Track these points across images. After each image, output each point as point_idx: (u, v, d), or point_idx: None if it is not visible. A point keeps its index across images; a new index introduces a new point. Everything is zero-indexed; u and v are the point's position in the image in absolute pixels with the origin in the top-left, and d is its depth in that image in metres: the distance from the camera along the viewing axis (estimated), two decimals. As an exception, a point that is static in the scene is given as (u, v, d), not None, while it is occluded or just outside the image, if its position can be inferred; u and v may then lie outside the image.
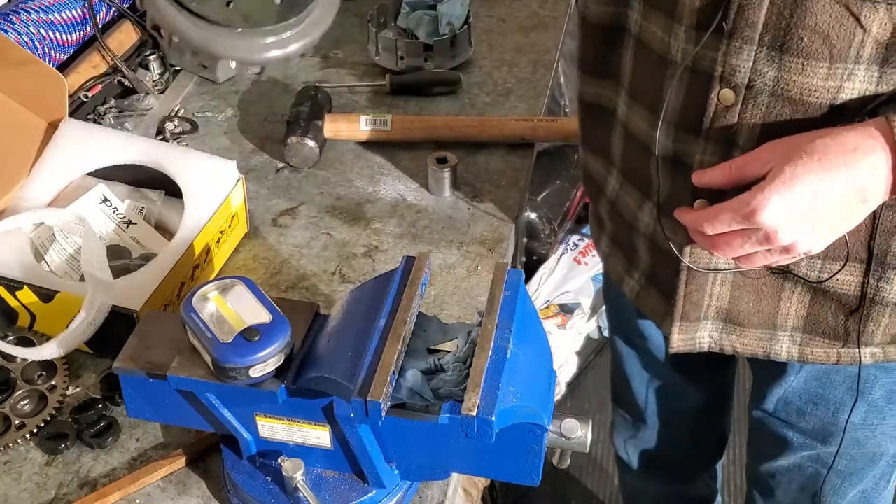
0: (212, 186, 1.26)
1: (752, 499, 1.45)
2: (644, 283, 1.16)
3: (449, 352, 0.91)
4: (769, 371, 1.21)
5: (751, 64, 0.86)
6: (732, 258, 0.92)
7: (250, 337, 0.85)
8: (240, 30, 0.70)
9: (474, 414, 0.79)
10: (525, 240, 2.44)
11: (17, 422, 1.06)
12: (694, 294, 1.06)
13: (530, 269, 2.61)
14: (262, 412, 0.92)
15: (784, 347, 1.08)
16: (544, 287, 2.60)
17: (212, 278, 1.19)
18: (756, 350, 1.09)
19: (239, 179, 1.29)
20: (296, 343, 0.89)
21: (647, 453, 1.63)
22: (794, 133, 0.85)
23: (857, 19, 0.81)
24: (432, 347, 0.93)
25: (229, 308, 0.89)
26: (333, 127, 1.53)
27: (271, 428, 0.93)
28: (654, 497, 1.74)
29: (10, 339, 1.13)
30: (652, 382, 1.48)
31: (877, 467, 1.25)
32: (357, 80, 1.73)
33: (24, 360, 1.11)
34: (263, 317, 0.87)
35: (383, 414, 0.81)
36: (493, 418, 0.80)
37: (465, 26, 1.72)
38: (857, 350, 1.04)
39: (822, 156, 0.80)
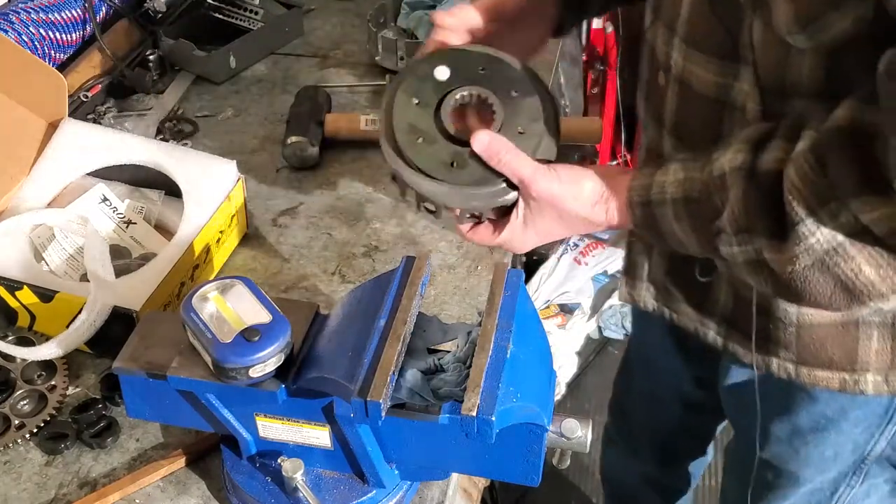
0: (212, 186, 1.26)
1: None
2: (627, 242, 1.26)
3: (449, 352, 0.91)
4: (722, 361, 1.24)
5: (671, 52, 0.96)
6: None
7: (250, 337, 0.85)
8: (464, 187, 0.92)
9: (474, 414, 0.79)
10: (525, 240, 2.43)
11: (16, 422, 1.06)
12: (633, 256, 1.18)
13: (530, 269, 2.61)
14: (262, 412, 0.92)
15: (711, 334, 1.13)
16: (544, 287, 2.60)
17: (212, 278, 1.20)
18: (689, 326, 1.15)
19: (239, 179, 1.29)
20: (296, 343, 0.89)
21: (638, 428, 1.66)
22: (696, 125, 0.97)
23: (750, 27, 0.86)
24: (432, 347, 0.93)
25: (229, 308, 0.89)
26: (333, 127, 1.53)
27: (271, 428, 0.93)
28: (634, 479, 1.76)
29: (10, 339, 1.13)
30: (656, 356, 1.50)
31: (802, 489, 1.27)
32: (357, 80, 1.73)
33: (24, 360, 1.11)
34: (263, 317, 0.87)
35: (383, 414, 0.81)
36: (493, 418, 0.80)
37: (465, 26, 1.72)
38: (767, 357, 1.07)
39: (570, 225, 0.93)
